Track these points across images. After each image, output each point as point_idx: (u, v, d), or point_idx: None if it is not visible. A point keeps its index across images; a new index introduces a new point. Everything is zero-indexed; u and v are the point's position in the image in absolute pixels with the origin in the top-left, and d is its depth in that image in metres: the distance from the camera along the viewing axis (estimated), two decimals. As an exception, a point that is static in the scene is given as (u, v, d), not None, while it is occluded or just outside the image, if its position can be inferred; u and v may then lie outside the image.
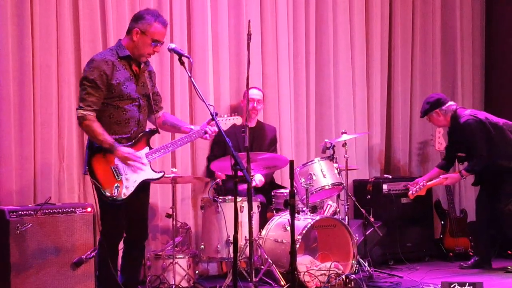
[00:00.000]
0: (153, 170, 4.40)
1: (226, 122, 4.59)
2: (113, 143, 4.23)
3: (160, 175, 4.45)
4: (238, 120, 4.69)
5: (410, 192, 6.14)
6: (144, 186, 4.43)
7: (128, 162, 4.26)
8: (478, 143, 5.99)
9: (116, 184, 4.27)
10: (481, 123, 6.03)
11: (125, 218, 4.43)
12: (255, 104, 6.18)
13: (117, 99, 4.32)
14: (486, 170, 6.07)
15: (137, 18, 4.38)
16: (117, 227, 4.42)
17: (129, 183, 4.31)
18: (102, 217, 4.41)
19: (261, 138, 6.27)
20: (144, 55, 4.39)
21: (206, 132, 4.44)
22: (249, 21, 5.13)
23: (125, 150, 4.26)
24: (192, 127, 4.57)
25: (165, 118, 4.65)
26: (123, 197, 4.28)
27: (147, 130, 4.46)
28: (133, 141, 4.36)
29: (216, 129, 4.39)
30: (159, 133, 4.57)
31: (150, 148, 4.42)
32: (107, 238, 4.39)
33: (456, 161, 6.45)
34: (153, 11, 4.52)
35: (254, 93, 6.21)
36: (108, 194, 4.24)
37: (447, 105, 6.18)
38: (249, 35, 4.97)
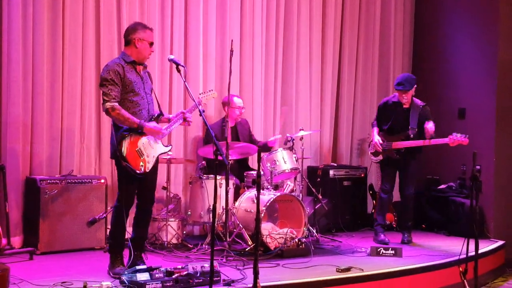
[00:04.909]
0: (163, 145, 4.54)
1: (207, 97, 5.06)
2: (140, 122, 4.31)
3: (169, 147, 4.59)
4: (215, 94, 5.15)
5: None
6: (154, 167, 4.51)
7: (154, 133, 4.35)
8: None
9: (141, 163, 4.33)
10: None
11: (139, 188, 4.47)
12: (242, 111, 6.11)
13: (131, 94, 4.37)
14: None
15: (132, 31, 4.43)
16: (132, 195, 4.47)
17: (150, 158, 4.40)
18: (120, 187, 4.43)
19: (244, 130, 6.24)
20: (146, 57, 4.49)
21: (185, 119, 4.62)
22: (232, 40, 5.31)
23: (151, 125, 4.35)
24: (170, 116, 4.72)
25: None
26: (147, 170, 4.38)
27: (156, 114, 4.50)
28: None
29: (191, 119, 4.66)
30: (163, 115, 4.58)
31: None
32: (123, 203, 4.39)
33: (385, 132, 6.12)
34: (138, 23, 4.60)
35: (240, 102, 6.09)
36: (138, 171, 4.30)
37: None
38: (231, 51, 5.09)
